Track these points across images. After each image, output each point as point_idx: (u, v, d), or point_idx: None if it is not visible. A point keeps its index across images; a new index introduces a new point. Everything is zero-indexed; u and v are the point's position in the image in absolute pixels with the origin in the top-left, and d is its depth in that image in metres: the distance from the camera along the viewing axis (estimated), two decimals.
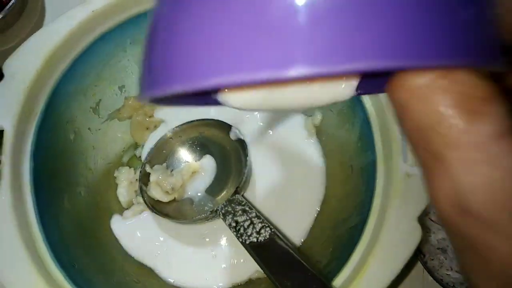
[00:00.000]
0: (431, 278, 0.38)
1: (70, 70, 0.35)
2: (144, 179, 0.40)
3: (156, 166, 0.41)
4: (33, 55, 0.33)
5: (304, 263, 0.30)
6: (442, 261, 0.39)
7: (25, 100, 0.32)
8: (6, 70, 0.33)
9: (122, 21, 0.36)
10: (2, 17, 0.43)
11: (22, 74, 0.32)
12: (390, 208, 0.31)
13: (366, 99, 0.35)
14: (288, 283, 0.29)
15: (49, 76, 0.34)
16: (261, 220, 0.34)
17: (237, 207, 0.36)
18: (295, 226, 0.39)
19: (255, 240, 0.33)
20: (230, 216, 0.35)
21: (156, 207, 0.38)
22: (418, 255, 0.39)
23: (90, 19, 0.34)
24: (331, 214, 0.38)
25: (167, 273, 0.38)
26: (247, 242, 0.33)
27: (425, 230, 0.39)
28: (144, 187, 0.39)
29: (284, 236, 0.38)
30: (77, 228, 0.36)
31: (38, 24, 0.51)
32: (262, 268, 0.31)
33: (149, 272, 0.38)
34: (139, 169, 0.40)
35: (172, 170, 0.41)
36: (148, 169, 0.40)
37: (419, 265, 0.42)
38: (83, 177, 0.39)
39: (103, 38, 0.36)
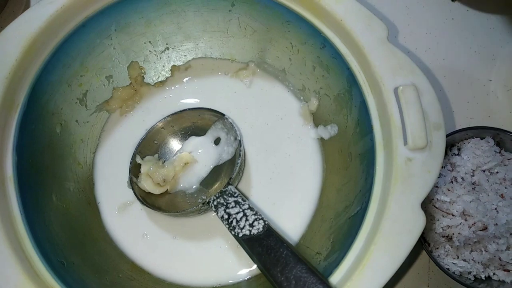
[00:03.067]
0: (437, 267, 0.36)
1: (52, 59, 0.34)
2: (135, 170, 0.38)
3: (147, 157, 0.39)
4: (12, 44, 0.31)
5: (301, 257, 0.29)
6: (448, 249, 0.38)
7: (5, 91, 0.31)
8: None
9: (105, 5, 0.35)
10: None
11: (1, 63, 0.31)
12: (391, 195, 0.29)
13: (363, 80, 0.33)
14: (282, 278, 0.27)
15: (30, 65, 0.32)
16: (254, 212, 0.32)
17: (229, 198, 0.34)
18: (294, 217, 0.38)
19: (248, 233, 0.31)
20: (222, 208, 0.33)
21: (147, 199, 0.37)
22: (422, 244, 0.37)
23: (71, 4, 0.33)
24: (331, 204, 0.37)
25: (161, 270, 0.37)
26: (240, 235, 0.31)
27: (429, 217, 0.38)
28: (134, 179, 0.38)
29: (280, 230, 0.37)
30: (66, 225, 0.35)
31: None
32: (255, 263, 0.30)
33: (143, 268, 0.37)
34: (130, 161, 0.39)
35: (164, 161, 0.39)
36: (138, 160, 0.38)
37: (424, 254, 0.40)
38: (72, 172, 0.38)
39: (86, 24, 0.35)
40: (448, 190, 0.39)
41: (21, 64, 0.31)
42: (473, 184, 0.39)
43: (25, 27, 0.32)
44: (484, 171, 0.39)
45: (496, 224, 0.36)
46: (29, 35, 0.32)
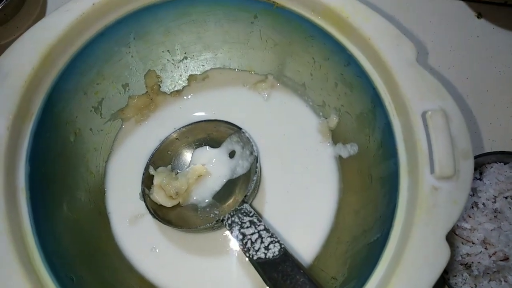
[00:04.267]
0: None
1: (69, 67, 0.33)
2: (147, 181, 0.37)
3: (160, 168, 0.38)
4: (29, 51, 0.31)
5: (318, 285, 0.28)
6: (466, 278, 0.36)
7: (20, 99, 0.30)
8: (0, 67, 0.30)
9: (124, 14, 0.34)
10: (0, 9, 0.41)
11: (17, 72, 0.30)
12: (415, 224, 0.28)
13: (388, 102, 0.32)
14: None
15: (46, 73, 0.32)
16: (270, 234, 0.31)
17: (244, 218, 0.33)
18: (308, 237, 0.37)
19: (263, 256, 0.30)
20: (237, 227, 0.32)
21: (158, 212, 0.36)
22: None
23: (91, 12, 0.32)
24: (348, 226, 0.36)
25: (171, 285, 0.36)
26: (255, 258, 0.30)
27: (448, 244, 0.37)
28: (146, 190, 0.37)
29: (293, 249, 0.36)
30: (76, 237, 0.34)
31: (40, 16, 0.48)
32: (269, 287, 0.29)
33: (153, 283, 0.36)
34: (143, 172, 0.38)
35: (177, 173, 0.38)
36: (152, 171, 0.37)
37: (440, 281, 0.39)
38: (84, 181, 0.37)
39: (104, 33, 0.34)
40: (469, 216, 0.37)
41: (37, 73, 0.30)
42: (494, 211, 0.37)
43: (42, 35, 0.31)
44: (506, 197, 0.38)
45: None
46: (47, 43, 0.31)
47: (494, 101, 0.46)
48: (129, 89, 0.40)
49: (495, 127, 0.45)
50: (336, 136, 0.39)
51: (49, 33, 0.31)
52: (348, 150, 0.38)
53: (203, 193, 0.38)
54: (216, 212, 0.37)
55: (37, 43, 0.31)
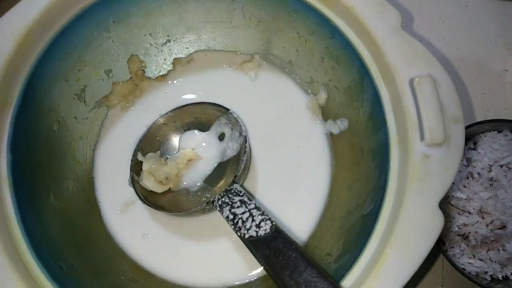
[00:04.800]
0: (452, 267, 0.35)
1: (48, 52, 0.32)
2: (136, 168, 0.37)
3: (149, 154, 0.37)
4: (4, 37, 0.30)
5: (311, 260, 0.27)
6: (464, 248, 0.36)
7: None
8: None
9: None
10: None
11: None
12: (407, 193, 0.27)
13: (375, 72, 0.31)
14: (292, 283, 0.26)
15: (24, 59, 0.31)
16: (261, 212, 0.31)
17: (235, 198, 0.32)
18: (302, 216, 0.36)
19: (254, 234, 0.30)
20: (228, 207, 0.32)
21: (149, 198, 0.35)
22: (437, 243, 0.35)
23: None
24: (342, 202, 0.35)
25: (165, 271, 0.35)
26: (246, 237, 0.30)
27: (444, 215, 0.36)
28: (135, 177, 0.36)
29: (288, 229, 0.35)
30: (65, 226, 0.33)
31: None
32: (262, 265, 0.28)
33: (147, 269, 0.36)
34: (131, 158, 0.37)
35: (166, 158, 0.38)
36: (140, 157, 0.37)
37: (438, 254, 0.39)
38: (71, 170, 0.36)
39: (83, 16, 0.33)
40: (464, 186, 0.37)
41: (14, 59, 0.30)
42: (490, 180, 0.37)
43: (18, 19, 0.30)
44: (502, 166, 0.37)
45: None
46: (22, 27, 0.30)
47: (486, 70, 0.45)
48: (112, 75, 0.39)
49: (488, 96, 0.44)
50: (326, 113, 0.39)
51: (25, 17, 0.30)
52: (339, 126, 0.37)
53: (194, 177, 0.38)
54: (208, 195, 0.36)
55: (12, 28, 0.30)
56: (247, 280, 0.35)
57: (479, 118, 0.43)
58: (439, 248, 0.35)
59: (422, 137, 0.28)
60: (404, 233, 0.26)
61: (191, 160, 0.38)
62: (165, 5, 0.37)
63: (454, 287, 0.38)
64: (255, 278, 0.35)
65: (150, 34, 0.39)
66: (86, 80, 0.37)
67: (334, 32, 0.33)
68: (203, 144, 0.38)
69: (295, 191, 0.37)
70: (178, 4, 0.37)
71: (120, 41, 0.38)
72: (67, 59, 0.34)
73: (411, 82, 0.29)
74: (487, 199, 0.35)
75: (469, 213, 0.36)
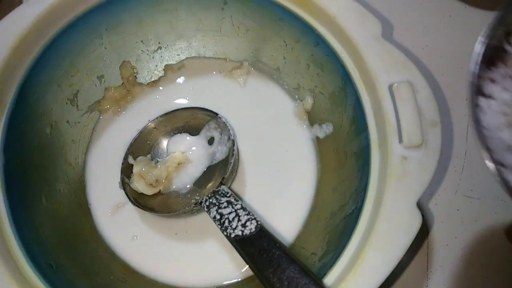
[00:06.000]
0: (435, 267, 0.35)
1: (41, 59, 0.33)
2: (127, 171, 0.37)
3: (139, 158, 0.38)
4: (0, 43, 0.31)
5: (294, 258, 0.28)
6: None
7: None
8: None
9: (95, 4, 0.34)
10: None
11: None
12: (387, 193, 0.28)
13: (357, 78, 0.33)
14: (275, 279, 0.27)
15: (17, 65, 0.32)
16: (246, 212, 0.32)
17: (222, 198, 0.33)
18: (289, 218, 0.37)
19: (240, 233, 0.31)
20: (215, 208, 0.33)
21: (139, 200, 0.36)
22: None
23: (60, 2, 0.32)
24: (327, 203, 0.36)
25: (154, 271, 0.36)
26: (232, 236, 0.31)
27: None
28: (126, 179, 0.37)
29: (275, 230, 0.36)
30: (56, 227, 0.34)
31: None
32: (248, 264, 0.29)
33: (136, 270, 0.36)
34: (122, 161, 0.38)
35: (156, 162, 0.39)
36: (131, 160, 0.38)
37: (423, 253, 0.39)
38: (63, 173, 0.37)
39: (75, 24, 0.34)
40: None
41: (8, 64, 0.31)
42: None
43: (12, 27, 0.31)
44: None
45: None
46: (17, 35, 0.31)
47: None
48: (104, 81, 0.40)
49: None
50: (312, 118, 0.40)
51: (19, 25, 0.31)
52: (324, 130, 0.39)
53: (184, 180, 0.38)
54: (197, 197, 0.37)
55: (7, 35, 0.31)
56: (235, 280, 0.35)
57: (460, 126, 0.44)
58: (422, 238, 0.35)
59: (400, 140, 0.29)
60: (383, 231, 0.28)
61: (181, 163, 0.39)
62: (157, 14, 0.39)
63: (440, 277, 0.38)
64: (243, 277, 0.35)
65: (142, 41, 0.40)
66: (79, 85, 0.38)
67: (319, 40, 0.35)
68: (193, 148, 0.39)
69: (282, 193, 0.38)
70: (170, 13, 0.39)
71: (113, 48, 0.39)
72: (60, 65, 0.35)
73: (390, 88, 0.30)
74: None
75: None
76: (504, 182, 0.21)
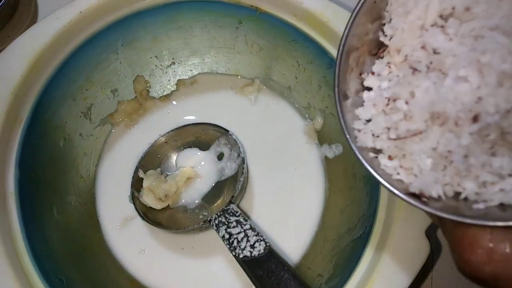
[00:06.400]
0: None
1: (58, 74, 0.34)
2: (137, 184, 0.38)
3: (149, 171, 0.39)
4: (18, 59, 0.31)
5: (301, 281, 0.28)
6: None
7: (9, 106, 0.31)
8: None
9: (112, 21, 0.35)
10: None
11: (6, 79, 0.31)
12: (396, 221, 0.29)
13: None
14: None
15: (35, 80, 0.32)
16: (255, 233, 0.32)
17: (231, 218, 0.34)
18: (296, 236, 0.38)
19: (248, 254, 0.31)
20: (224, 227, 0.33)
21: (148, 214, 0.37)
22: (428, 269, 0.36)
23: (78, 20, 0.33)
24: (334, 225, 0.36)
25: (162, 287, 0.36)
26: (241, 256, 0.31)
27: None
28: (136, 193, 0.37)
29: (281, 249, 0.36)
30: (66, 239, 0.35)
31: (32, 25, 0.49)
32: (255, 285, 0.29)
33: (144, 284, 0.37)
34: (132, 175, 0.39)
35: (166, 176, 0.39)
36: (141, 174, 0.38)
37: (428, 282, 0.39)
38: (74, 186, 0.38)
39: (92, 40, 0.35)
40: None
41: (26, 80, 0.31)
42: None
43: (31, 42, 0.32)
44: None
45: None
46: (35, 50, 0.32)
47: None
48: (118, 95, 0.40)
49: None
50: (322, 137, 0.40)
51: (38, 41, 0.32)
52: (334, 150, 0.39)
53: (192, 195, 0.39)
54: (205, 213, 0.38)
55: (26, 51, 0.32)
56: None
57: None
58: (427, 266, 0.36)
59: None
60: (391, 259, 0.28)
61: (190, 178, 0.39)
62: (172, 30, 0.39)
63: None
64: None
65: (156, 56, 0.41)
66: (93, 99, 0.39)
67: (331, 63, 0.35)
68: (202, 162, 0.40)
69: (290, 212, 0.39)
70: (185, 30, 0.39)
71: (127, 63, 0.39)
72: (76, 80, 0.36)
73: None
74: None
75: None
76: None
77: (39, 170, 0.34)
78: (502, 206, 0.19)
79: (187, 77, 0.43)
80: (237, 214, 0.34)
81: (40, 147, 0.34)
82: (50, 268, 0.30)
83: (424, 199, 0.20)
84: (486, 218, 0.18)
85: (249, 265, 0.31)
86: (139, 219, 0.37)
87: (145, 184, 0.38)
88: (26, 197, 0.31)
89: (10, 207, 0.30)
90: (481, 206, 0.19)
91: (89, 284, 0.34)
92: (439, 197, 0.20)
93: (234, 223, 0.33)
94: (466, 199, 0.20)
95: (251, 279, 0.30)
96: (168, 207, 0.38)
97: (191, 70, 0.43)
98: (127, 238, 0.38)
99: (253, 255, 0.31)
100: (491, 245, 0.18)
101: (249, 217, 0.38)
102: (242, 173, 0.37)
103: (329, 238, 0.36)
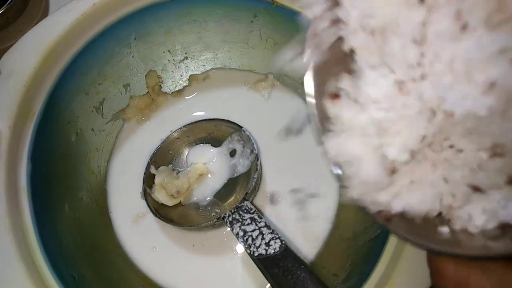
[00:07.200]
0: None
1: (70, 67, 0.33)
2: (149, 181, 0.37)
3: (161, 168, 0.38)
4: (31, 51, 0.31)
5: (319, 281, 0.28)
6: None
7: (22, 99, 0.30)
8: (3, 67, 0.31)
9: (126, 14, 0.34)
10: (2, 13, 0.41)
11: (19, 72, 0.30)
12: None
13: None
14: None
15: (48, 73, 0.32)
16: (271, 231, 0.31)
17: (245, 215, 0.33)
18: (310, 235, 0.37)
19: (264, 252, 0.30)
20: (238, 224, 0.32)
21: (160, 211, 0.36)
22: None
23: (91, 12, 0.32)
24: (349, 223, 0.35)
25: (173, 284, 0.36)
26: (256, 254, 0.30)
27: None
28: (148, 190, 0.37)
29: (295, 246, 0.36)
30: (78, 235, 0.34)
31: (42, 19, 0.49)
32: (271, 284, 0.29)
33: (155, 281, 0.36)
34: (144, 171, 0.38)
35: (178, 172, 0.38)
36: (153, 170, 0.37)
37: None
38: (86, 181, 0.37)
39: (105, 33, 0.34)
40: None
41: (39, 73, 0.31)
42: None
43: (44, 35, 0.31)
44: None
45: None
46: (48, 43, 0.31)
47: None
48: (130, 89, 0.40)
49: None
50: None
51: (51, 33, 0.31)
52: None
53: (204, 192, 0.38)
54: (217, 210, 0.37)
55: (38, 43, 0.31)
56: None
57: None
58: None
59: None
60: (411, 258, 0.27)
61: (202, 174, 0.39)
62: (186, 24, 0.38)
63: None
64: None
65: (169, 51, 0.40)
66: (105, 93, 0.38)
67: None
68: (214, 159, 0.39)
69: (304, 209, 0.38)
70: (198, 24, 0.39)
71: (140, 57, 0.39)
72: (88, 73, 0.35)
73: None
74: None
75: None
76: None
77: (51, 164, 0.33)
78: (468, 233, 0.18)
79: (200, 73, 0.42)
80: (251, 211, 0.33)
81: (52, 141, 0.33)
82: (62, 264, 0.30)
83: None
84: (449, 244, 0.18)
85: (264, 263, 0.30)
86: (150, 215, 0.37)
87: (157, 180, 0.37)
88: (38, 192, 0.31)
89: (22, 202, 0.30)
90: (445, 229, 0.18)
91: (101, 280, 0.33)
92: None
93: (249, 220, 0.33)
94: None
95: (266, 277, 0.30)
96: (180, 203, 0.37)
97: (203, 65, 0.42)
98: (139, 235, 0.37)
99: (268, 253, 0.30)
100: (456, 274, 0.18)
101: (263, 215, 0.37)
102: (256, 170, 0.36)
103: (344, 236, 0.35)
